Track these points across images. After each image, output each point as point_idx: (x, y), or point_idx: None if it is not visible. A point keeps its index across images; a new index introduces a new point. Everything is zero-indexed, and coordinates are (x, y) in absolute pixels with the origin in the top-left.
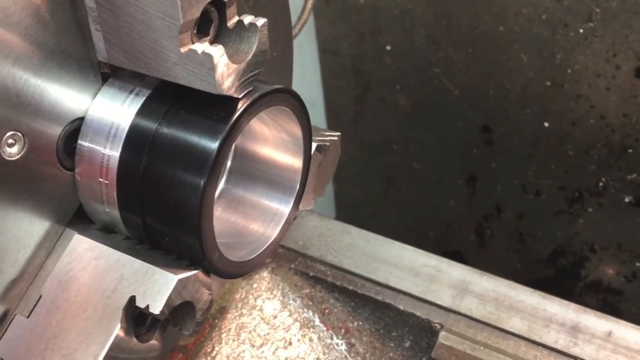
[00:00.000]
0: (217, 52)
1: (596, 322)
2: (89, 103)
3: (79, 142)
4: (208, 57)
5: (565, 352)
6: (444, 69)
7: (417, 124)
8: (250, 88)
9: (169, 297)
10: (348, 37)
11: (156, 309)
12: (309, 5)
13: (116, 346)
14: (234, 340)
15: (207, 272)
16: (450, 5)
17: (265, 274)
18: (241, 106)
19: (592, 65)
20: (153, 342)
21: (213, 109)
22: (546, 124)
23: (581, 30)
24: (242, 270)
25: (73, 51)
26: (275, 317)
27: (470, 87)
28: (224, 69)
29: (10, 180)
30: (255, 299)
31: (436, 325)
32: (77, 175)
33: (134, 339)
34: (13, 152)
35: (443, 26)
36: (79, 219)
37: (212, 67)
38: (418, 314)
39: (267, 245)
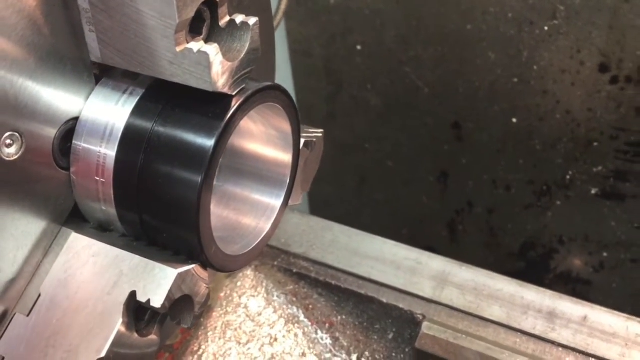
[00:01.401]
0: (212, 51)
1: (572, 307)
2: (83, 103)
3: (74, 142)
4: (204, 55)
5: (543, 338)
6: (414, 67)
7: (389, 122)
8: (244, 85)
9: (170, 291)
10: (319, 38)
11: (157, 302)
12: (283, 7)
13: (118, 341)
14: (220, 338)
15: (204, 266)
16: (420, 5)
17: (249, 271)
18: (235, 103)
19: (557, 61)
20: (152, 336)
21: (208, 107)
22: (514, 120)
23: (546, 28)
24: (238, 264)
25: (67, 52)
26: (260, 314)
27: (440, 85)
28: (219, 67)
29: (8, 180)
30: (240, 297)
31: (419, 316)
32: (72, 174)
33: (135, 334)
34: (11, 152)
35: (412, 26)
36: (73, 218)
37: (207, 65)
38: (401, 305)
39: (260, 239)
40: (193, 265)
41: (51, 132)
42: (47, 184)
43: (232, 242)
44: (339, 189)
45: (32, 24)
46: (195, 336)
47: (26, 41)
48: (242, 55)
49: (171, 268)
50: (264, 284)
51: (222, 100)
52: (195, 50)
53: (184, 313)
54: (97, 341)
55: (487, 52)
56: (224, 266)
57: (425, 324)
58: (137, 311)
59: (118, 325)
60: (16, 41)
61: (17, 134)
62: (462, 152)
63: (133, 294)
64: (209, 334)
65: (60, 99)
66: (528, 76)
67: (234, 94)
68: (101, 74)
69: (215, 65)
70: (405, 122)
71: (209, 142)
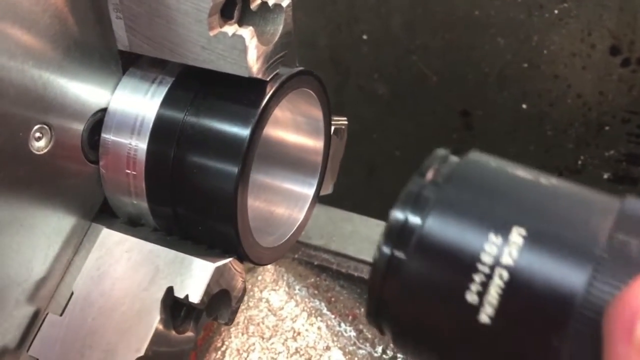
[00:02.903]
0: (248, 34)
1: None
2: (111, 94)
3: (103, 135)
4: (239, 39)
5: None
6: (422, 55)
7: (397, 111)
8: (277, 70)
9: (208, 286)
10: (324, 29)
11: (195, 298)
12: None
13: (157, 338)
14: (243, 334)
15: (240, 260)
16: None
17: (269, 265)
18: (270, 89)
19: (568, 45)
20: (189, 333)
21: (242, 94)
22: (524, 106)
23: (556, 11)
24: (274, 256)
25: (94, 41)
26: (282, 309)
27: (449, 72)
28: (254, 51)
29: (39, 175)
30: (261, 291)
31: None
32: (101, 168)
33: (173, 331)
34: (41, 146)
35: (419, 13)
36: (102, 214)
37: (243, 50)
38: None
39: (295, 229)
40: (230, 259)
41: (80, 125)
42: (77, 178)
43: (266, 234)
44: (347, 181)
45: (57, 13)
46: (217, 332)
47: (52, 31)
48: (275, 39)
49: (209, 262)
50: (285, 278)
51: (256, 86)
52: (229, 34)
53: (220, 308)
54: (135, 340)
55: (496, 38)
56: (260, 258)
57: None
58: (173, 307)
59: (156, 322)
60: (42, 32)
61: (46, 127)
62: (471, 140)
63: (170, 290)
64: (232, 329)
65: (88, 90)
66: (538, 61)
67: (268, 79)
68: (126, 64)
69: (251, 50)
70: (413, 111)
71: (245, 131)
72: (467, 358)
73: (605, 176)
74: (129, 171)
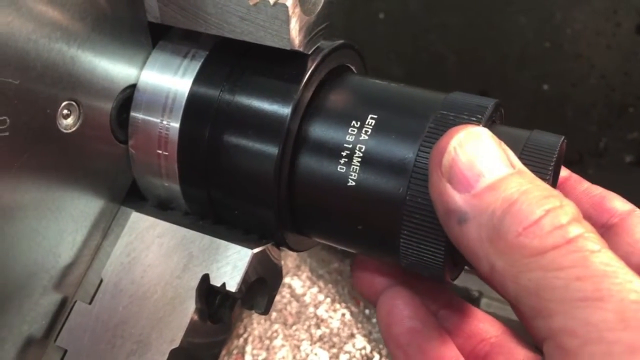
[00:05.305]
0: (291, 3)
1: None
2: (140, 69)
3: (132, 113)
4: (282, 8)
5: None
6: (440, 35)
7: None
8: (319, 43)
9: (246, 273)
10: (340, 7)
11: (233, 286)
12: None
13: (192, 329)
14: (265, 320)
15: (277, 246)
16: None
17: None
18: (311, 64)
19: (592, 23)
20: (223, 323)
21: (281, 69)
22: (545, 87)
23: None
24: (311, 242)
25: (123, 13)
26: (305, 295)
27: (467, 52)
28: (297, 21)
29: (67, 155)
30: (284, 277)
31: (474, 292)
32: (131, 148)
33: (208, 321)
34: (69, 123)
35: None
36: (130, 197)
37: (285, 20)
38: (455, 282)
39: None
40: (268, 245)
41: (108, 102)
42: (105, 159)
43: None
44: None
45: None
46: (239, 318)
47: (80, 1)
48: (318, 9)
49: (246, 248)
50: (308, 263)
51: (296, 60)
52: (271, 2)
53: (256, 297)
54: (169, 330)
55: (517, 16)
56: (298, 244)
57: (483, 301)
58: (207, 296)
59: (191, 311)
60: (69, 2)
61: (74, 104)
62: None
63: (205, 278)
64: (254, 316)
65: (117, 64)
66: (561, 40)
67: (309, 53)
68: (155, 38)
69: (294, 20)
70: None
71: (286, 109)
72: (346, 216)
73: (628, 159)
74: (160, 151)
